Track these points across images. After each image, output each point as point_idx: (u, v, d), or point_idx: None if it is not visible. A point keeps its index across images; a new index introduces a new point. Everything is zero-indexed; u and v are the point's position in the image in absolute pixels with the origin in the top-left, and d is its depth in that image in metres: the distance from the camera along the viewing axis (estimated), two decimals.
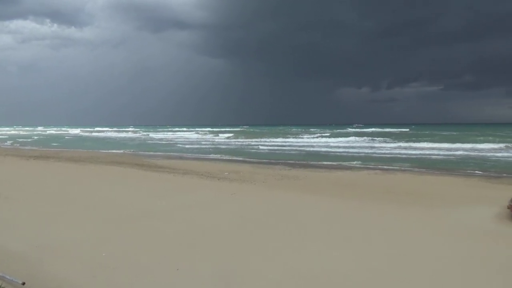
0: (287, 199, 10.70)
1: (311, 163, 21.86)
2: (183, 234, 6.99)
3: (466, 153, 26.90)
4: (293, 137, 50.61)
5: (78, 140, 53.09)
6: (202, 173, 16.11)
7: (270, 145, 38.15)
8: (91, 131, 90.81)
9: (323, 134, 53.54)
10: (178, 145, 40.42)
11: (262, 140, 47.53)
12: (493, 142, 33.90)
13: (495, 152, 26.82)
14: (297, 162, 22.37)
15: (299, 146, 35.94)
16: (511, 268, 5.53)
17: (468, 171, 17.73)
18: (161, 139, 53.83)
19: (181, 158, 25.40)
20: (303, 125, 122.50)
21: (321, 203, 10.22)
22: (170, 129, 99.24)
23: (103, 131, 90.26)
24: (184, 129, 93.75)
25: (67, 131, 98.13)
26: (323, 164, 21.30)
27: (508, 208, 8.71)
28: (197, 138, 55.47)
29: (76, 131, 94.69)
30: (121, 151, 31.76)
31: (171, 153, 29.67)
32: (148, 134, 71.71)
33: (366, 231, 7.42)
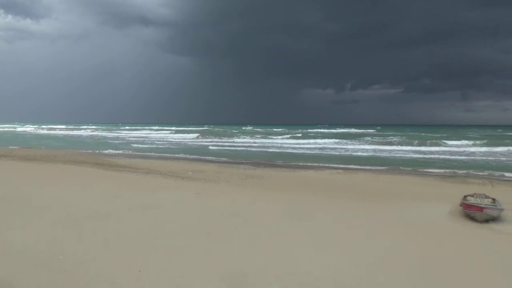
0: (251, 198, 10.72)
1: (276, 162, 22.06)
2: (145, 235, 6.81)
3: (424, 155, 28.17)
4: (259, 137, 50.86)
5: (30, 138, 50.53)
6: (166, 173, 15.82)
7: (235, 145, 38.11)
8: (45, 129, 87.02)
9: (289, 135, 54.12)
10: (135, 144, 39.48)
11: (227, 139, 47.42)
12: (450, 143, 35.70)
13: (450, 155, 28.25)
14: (262, 161, 22.50)
15: (265, 146, 36.18)
16: (461, 261, 5.84)
17: (425, 170, 18.56)
18: (123, 138, 52.40)
19: (143, 157, 24.81)
20: (270, 125, 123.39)
21: (285, 202, 10.32)
22: (135, 127, 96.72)
23: (56, 129, 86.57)
24: (151, 127, 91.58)
25: (16, 128, 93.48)
26: (288, 164, 21.56)
27: (460, 205, 9.21)
28: (162, 137, 54.46)
29: (26, 128, 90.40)
30: (78, 150, 30.55)
31: (134, 152, 28.94)
32: (110, 132, 69.63)
33: (326, 228, 7.57)
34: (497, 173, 17.46)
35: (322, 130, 71.83)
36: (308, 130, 69.54)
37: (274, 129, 75.79)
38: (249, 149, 32.90)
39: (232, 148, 34.04)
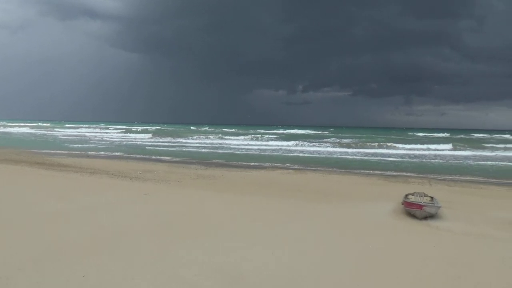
0: (202, 198, 10.60)
1: (228, 163, 22.01)
2: (89, 238, 6.48)
3: (371, 157, 29.47)
4: (213, 137, 50.48)
5: None
6: (113, 173, 15.20)
7: (188, 145, 37.54)
8: None
9: (242, 135, 54.23)
10: (77, 144, 37.65)
11: (180, 139, 46.58)
12: (395, 145, 37.67)
13: (394, 157, 29.78)
14: (214, 162, 22.36)
15: (218, 146, 35.98)
16: (402, 255, 6.17)
17: (371, 171, 19.44)
18: (58, 137, 49.65)
19: (88, 156, 23.67)
20: (224, 125, 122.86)
21: (238, 202, 10.32)
22: (80, 125, 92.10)
23: None
24: (99, 126, 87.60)
25: None
26: (240, 164, 21.59)
27: (402, 204, 9.75)
28: (93, 136, 52.30)
29: None
30: (14, 148, 28.50)
31: (78, 151, 27.50)
32: (49, 130, 65.66)
33: (278, 227, 7.67)
34: (435, 173, 18.72)
35: (275, 131, 72.80)
36: (262, 131, 70.18)
37: (228, 129, 75.68)
38: (201, 149, 32.55)
39: (184, 147, 33.49)
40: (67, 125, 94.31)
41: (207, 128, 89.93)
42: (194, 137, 49.00)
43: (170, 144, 38.04)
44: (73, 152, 27.12)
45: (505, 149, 35.79)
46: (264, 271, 5.30)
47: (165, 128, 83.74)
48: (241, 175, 16.47)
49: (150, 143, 38.64)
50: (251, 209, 9.52)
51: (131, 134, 55.37)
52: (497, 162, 24.88)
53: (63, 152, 26.75)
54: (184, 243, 6.39)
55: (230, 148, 33.77)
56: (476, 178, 17.23)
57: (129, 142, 39.95)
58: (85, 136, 51.63)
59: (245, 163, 22.10)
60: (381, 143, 39.03)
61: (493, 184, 15.58)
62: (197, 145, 37.38)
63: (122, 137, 50.36)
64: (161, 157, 24.32)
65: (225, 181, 14.26)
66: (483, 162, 24.75)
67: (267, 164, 21.57)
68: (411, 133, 75.68)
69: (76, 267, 5.18)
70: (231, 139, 46.63)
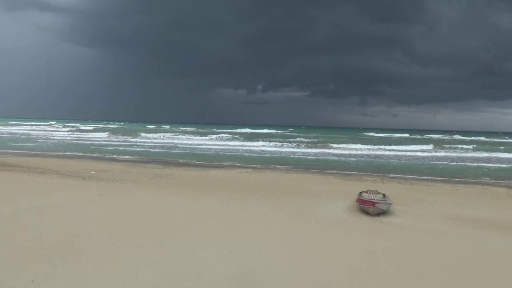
0: (159, 198, 10.39)
1: (186, 162, 21.74)
2: (38, 241, 6.15)
3: (328, 156, 30.23)
4: (171, 135, 49.56)
5: None
6: (64, 172, 14.52)
7: (144, 144, 36.61)
8: None
9: (202, 135, 53.67)
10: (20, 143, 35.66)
11: (135, 138, 45.33)
12: (350, 146, 38.90)
13: (351, 157, 30.75)
14: (171, 161, 21.99)
15: (177, 145, 35.39)
16: (356, 250, 6.40)
17: (328, 170, 19.96)
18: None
19: (37, 155, 22.43)
20: (180, 123, 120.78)
21: (195, 201, 10.22)
22: (18, 122, 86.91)
23: None
24: (50, 123, 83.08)
25: None
26: (199, 163, 21.39)
27: (357, 201, 10.11)
28: (41, 134, 49.81)
29: None
30: None
31: (25, 151, 25.98)
32: None
33: (237, 226, 7.69)
34: (388, 172, 19.58)
35: (235, 130, 72.70)
36: (222, 130, 69.87)
37: (188, 128, 74.63)
38: (160, 148, 31.86)
39: (143, 146, 32.62)
40: (12, 122, 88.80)
41: (167, 126, 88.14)
42: (153, 136, 47.87)
43: (128, 143, 36.92)
44: (20, 151, 25.57)
45: (456, 149, 38.18)
46: (222, 270, 5.29)
47: (123, 127, 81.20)
48: (199, 174, 16.31)
49: (106, 142, 37.24)
50: (209, 208, 9.46)
51: (86, 133, 53.06)
52: (445, 162, 26.43)
53: (8, 151, 25.15)
54: (140, 244, 6.24)
55: (189, 147, 33.34)
56: (425, 177, 18.20)
57: (84, 142, 38.29)
58: (29, 134, 48.76)
59: (204, 162, 21.93)
60: (338, 143, 40.19)
61: (440, 182, 16.53)
62: (156, 144, 36.55)
63: (77, 136, 48.10)
64: (117, 156, 23.55)
65: (183, 181, 14.06)
66: (433, 162, 26.20)
67: (227, 163, 21.53)
68: (367, 133, 78.60)
69: (24, 271, 4.90)
70: (190, 138, 46.03)
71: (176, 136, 48.67)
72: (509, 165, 24.94)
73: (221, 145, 37.69)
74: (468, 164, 25.05)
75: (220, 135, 52.10)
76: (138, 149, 30.17)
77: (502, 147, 41.98)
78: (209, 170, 17.94)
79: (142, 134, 50.57)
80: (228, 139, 45.31)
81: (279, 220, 8.43)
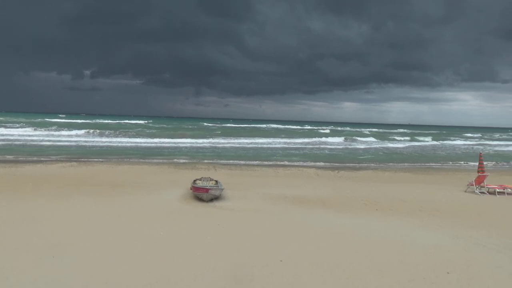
0: None
1: None
2: None
3: (162, 146, 29.81)
4: None
5: None
6: None
7: None
8: None
9: (19, 123, 45.23)
10: None
11: None
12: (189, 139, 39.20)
13: (186, 145, 31.06)
14: None
15: None
16: (192, 236, 6.54)
17: (161, 159, 19.71)
18: None
19: None
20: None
21: (3, 205, 8.62)
22: None
23: None
24: None
25: None
26: (12, 158, 18.09)
27: (191, 189, 10.33)
28: None
29: None
30: None
31: None
32: None
33: (60, 230, 6.87)
34: (219, 159, 20.70)
35: (57, 120, 63.60)
36: (42, 120, 60.36)
37: (1, 118, 61.43)
38: None
39: None
40: None
41: None
42: None
43: None
44: None
45: (276, 137, 42.88)
46: (42, 278, 4.63)
47: None
48: (9, 171, 13.81)
49: None
50: (26, 211, 8.13)
51: None
52: (269, 148, 29.50)
53: None
54: None
55: (3, 139, 27.84)
56: (251, 162, 19.96)
57: None
58: None
59: (21, 156, 18.69)
60: (172, 132, 40.14)
61: (264, 166, 18.39)
62: None
63: None
64: None
65: None
66: (259, 148, 28.89)
67: (44, 158, 18.79)
68: (201, 123, 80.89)
69: None
70: (5, 128, 38.47)
71: None
72: (308, 150, 29.71)
73: (41, 135, 33.16)
74: (280, 151, 28.54)
75: (41, 125, 44.85)
76: None
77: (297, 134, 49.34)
78: (23, 165, 15.33)
79: None
80: (50, 130, 39.27)
81: (110, 215, 7.92)
